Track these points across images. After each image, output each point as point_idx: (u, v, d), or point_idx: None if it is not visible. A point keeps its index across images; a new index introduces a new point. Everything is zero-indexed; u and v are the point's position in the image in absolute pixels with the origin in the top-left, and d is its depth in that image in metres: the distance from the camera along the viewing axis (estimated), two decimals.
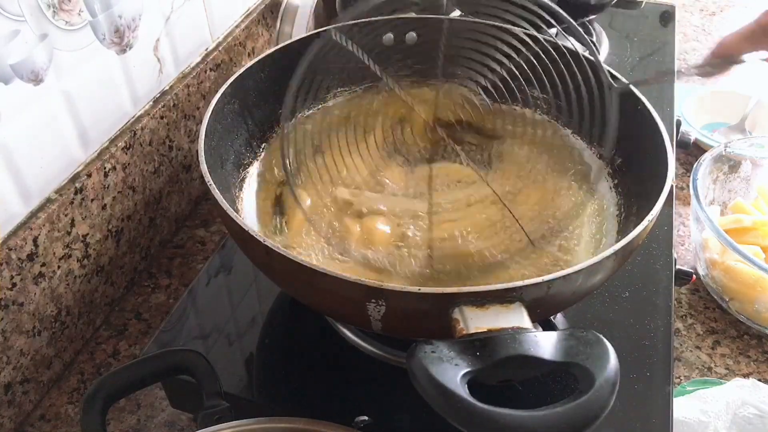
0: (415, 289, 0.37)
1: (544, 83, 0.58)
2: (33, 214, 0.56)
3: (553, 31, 0.85)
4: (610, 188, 0.56)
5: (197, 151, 0.47)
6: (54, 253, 0.58)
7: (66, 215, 0.59)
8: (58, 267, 0.59)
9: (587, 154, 0.59)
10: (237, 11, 0.83)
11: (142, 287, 0.70)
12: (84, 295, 0.63)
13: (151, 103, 0.69)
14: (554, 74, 0.58)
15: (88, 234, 0.62)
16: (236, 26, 0.82)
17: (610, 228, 0.53)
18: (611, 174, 0.57)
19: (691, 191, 0.66)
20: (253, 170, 0.58)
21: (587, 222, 0.54)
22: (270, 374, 0.54)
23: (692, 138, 0.81)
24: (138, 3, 0.64)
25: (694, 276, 0.65)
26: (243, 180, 0.56)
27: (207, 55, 0.77)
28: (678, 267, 0.64)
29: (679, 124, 0.80)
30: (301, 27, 0.87)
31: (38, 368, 0.59)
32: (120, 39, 0.63)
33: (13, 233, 0.54)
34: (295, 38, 0.65)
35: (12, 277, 0.54)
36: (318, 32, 0.62)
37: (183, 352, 0.44)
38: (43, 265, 0.57)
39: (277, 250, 0.39)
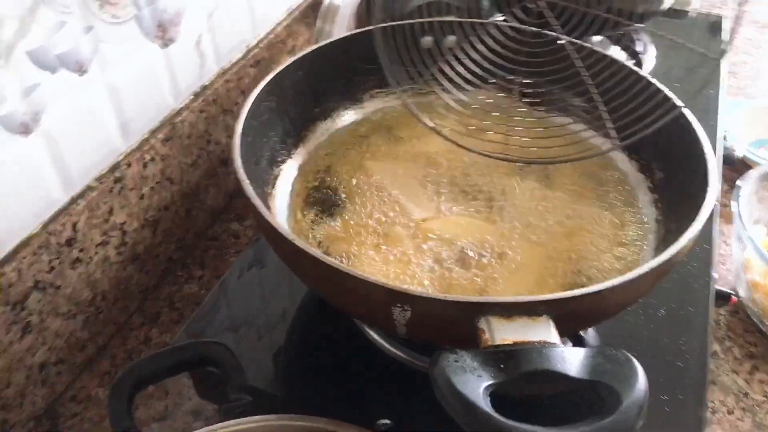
0: (441, 295, 0.37)
1: (588, 92, 0.57)
2: (73, 201, 0.58)
3: (597, 39, 0.84)
4: (650, 203, 0.55)
5: (233, 146, 0.47)
6: (92, 240, 0.60)
7: (105, 203, 0.60)
8: (96, 253, 0.60)
9: (626, 166, 0.58)
10: (280, 9, 0.83)
11: (176, 277, 0.72)
12: (119, 281, 0.64)
13: (191, 96, 0.70)
14: (598, 83, 0.57)
15: (125, 222, 0.63)
16: (278, 24, 0.83)
17: (647, 244, 0.52)
18: (651, 188, 0.56)
19: (734, 210, 0.64)
20: (287, 167, 0.58)
21: (623, 237, 0.53)
22: (295, 371, 0.54)
23: (738, 154, 0.79)
24: None
25: (734, 297, 0.63)
26: (276, 177, 0.56)
27: (248, 52, 0.78)
28: (717, 287, 0.62)
29: (724, 139, 0.78)
30: (341, 27, 0.87)
31: (72, 350, 0.60)
32: (163, 33, 0.64)
33: (54, 218, 0.56)
34: (333, 38, 0.65)
35: (50, 261, 0.56)
36: (358, 32, 0.62)
37: (210, 344, 0.44)
38: (81, 250, 0.59)
39: (303, 248, 0.39)
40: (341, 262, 0.49)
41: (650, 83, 0.55)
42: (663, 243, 0.50)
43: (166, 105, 0.67)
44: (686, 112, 0.52)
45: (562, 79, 0.59)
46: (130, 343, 0.65)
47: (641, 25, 0.69)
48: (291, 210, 0.53)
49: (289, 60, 0.59)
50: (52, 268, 0.56)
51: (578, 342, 0.50)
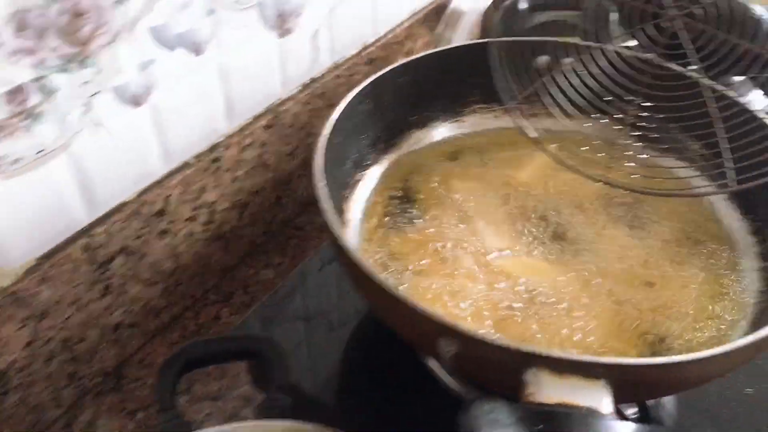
0: (489, 337, 0.35)
1: (711, 135, 0.52)
2: (170, 175, 0.60)
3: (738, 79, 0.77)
4: (756, 271, 0.49)
5: (316, 148, 0.47)
6: (181, 214, 0.62)
7: (199, 181, 0.62)
8: (183, 227, 0.63)
9: (735, 223, 0.53)
10: (403, 9, 0.83)
11: (257, 260, 0.73)
12: (201, 257, 0.67)
13: (299, 87, 0.71)
14: (727, 129, 0.52)
15: (216, 201, 0.65)
16: (399, 25, 0.82)
17: (743, 318, 0.46)
18: (761, 254, 0.50)
19: None
20: (371, 172, 0.57)
21: (717, 305, 0.48)
22: (344, 382, 0.54)
23: None
24: None
25: None
26: (359, 181, 0.56)
27: (364, 50, 0.78)
28: None
29: None
30: (463, 34, 0.85)
31: (147, 316, 0.63)
32: (282, 23, 0.65)
33: (149, 189, 0.58)
34: (449, 45, 0.63)
35: (140, 229, 0.58)
36: (470, 44, 0.60)
37: (261, 339, 0.45)
38: (170, 222, 0.61)
39: (357, 261, 0.38)
40: (403, 276, 0.48)
41: None
42: (762, 320, 0.45)
43: (274, 93, 0.68)
44: None
45: (683, 118, 0.54)
46: (201, 317, 0.67)
47: None
48: (366, 216, 0.53)
49: (393, 64, 0.58)
50: (140, 236, 0.58)
51: (643, 412, 0.46)
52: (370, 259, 0.50)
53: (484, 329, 0.44)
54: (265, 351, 0.44)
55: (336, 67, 0.75)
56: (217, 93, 0.62)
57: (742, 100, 0.51)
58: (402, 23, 0.83)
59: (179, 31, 0.55)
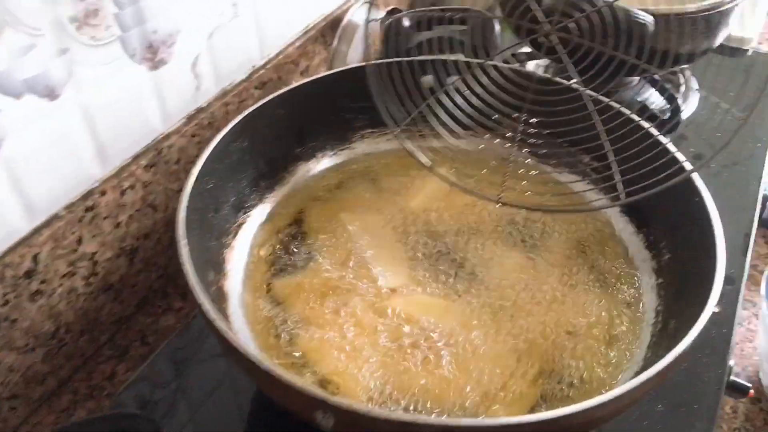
0: (364, 408, 0.32)
1: (599, 147, 0.51)
2: (36, 230, 0.55)
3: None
4: (653, 288, 0.48)
5: (181, 199, 0.43)
6: (56, 271, 0.57)
7: (73, 233, 0.57)
8: (60, 285, 0.58)
9: (632, 238, 0.51)
10: (294, 28, 0.79)
11: (155, 307, 0.68)
12: (87, 312, 0.62)
13: (183, 120, 0.67)
14: (613, 138, 0.50)
15: (97, 252, 0.60)
16: (290, 44, 0.79)
17: (640, 342, 0.45)
18: (656, 270, 0.49)
19: (763, 294, 0.56)
20: (256, 213, 0.54)
21: (615, 328, 0.46)
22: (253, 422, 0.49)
23: None
24: (177, 18, 0.62)
25: (752, 391, 0.56)
26: (241, 225, 0.52)
27: (253, 73, 0.74)
28: (734, 379, 0.54)
29: (765, 200, 0.69)
30: (359, 48, 0.82)
31: (29, 384, 0.58)
32: (153, 55, 0.61)
33: (12, 250, 0.53)
34: (319, 74, 0.60)
35: (5, 295, 0.53)
36: (350, 68, 0.57)
37: (133, 416, 0.41)
38: (43, 282, 0.56)
39: (227, 338, 0.35)
40: (292, 328, 0.44)
41: (660, 143, 0.48)
42: (658, 343, 0.43)
43: (154, 129, 0.64)
44: (698, 183, 0.45)
45: (571, 132, 0.52)
46: (94, 378, 0.62)
47: (677, 68, 0.62)
48: (251, 262, 0.49)
49: (267, 97, 0.54)
50: (7, 302, 0.53)
51: None
52: (256, 311, 0.46)
53: (378, 382, 0.41)
54: (138, 427, 0.40)
55: (224, 94, 0.70)
56: (82, 137, 0.57)
57: (625, 110, 0.50)
58: (294, 42, 0.79)
59: (25, 76, 0.50)
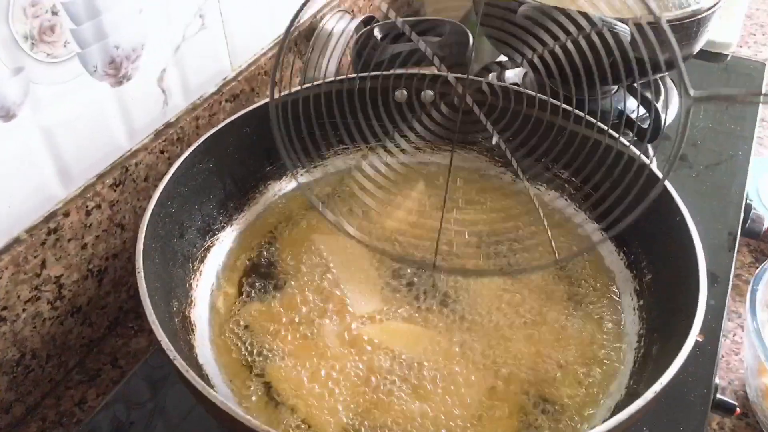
0: None
1: (573, 164, 0.49)
2: None
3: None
4: (635, 311, 0.46)
5: (141, 225, 0.41)
6: (18, 296, 0.55)
7: (36, 256, 0.55)
8: (24, 310, 0.56)
9: (612, 258, 0.50)
10: (265, 38, 0.77)
11: (126, 328, 0.67)
12: (55, 336, 0.60)
13: (151, 136, 0.65)
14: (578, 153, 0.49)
15: (62, 275, 0.58)
16: (262, 54, 0.77)
17: (622, 369, 0.43)
18: (638, 291, 0.47)
19: (747, 306, 0.55)
20: (225, 236, 0.52)
21: (597, 355, 0.44)
22: None
23: (765, 225, 0.69)
24: (140, 32, 0.60)
25: (739, 409, 0.54)
26: (209, 248, 0.50)
27: (224, 85, 0.72)
28: (721, 397, 0.53)
29: (749, 208, 0.68)
30: (335, 57, 0.80)
31: None
32: (116, 71, 0.59)
33: None
34: (283, 93, 0.57)
35: None
36: (312, 86, 0.55)
37: None
38: (4, 308, 0.54)
39: (183, 373, 0.33)
40: (262, 361, 0.42)
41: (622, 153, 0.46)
42: (642, 368, 0.42)
43: (118, 146, 0.62)
44: (673, 194, 0.43)
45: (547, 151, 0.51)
46: (64, 404, 0.60)
47: (657, 76, 0.60)
48: (219, 290, 0.47)
49: (233, 116, 0.52)
50: None
51: None
52: (225, 341, 0.44)
53: (350, 414, 0.39)
54: None
55: (194, 108, 0.69)
56: (42, 157, 0.55)
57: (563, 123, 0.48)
58: (265, 52, 0.77)
59: None
